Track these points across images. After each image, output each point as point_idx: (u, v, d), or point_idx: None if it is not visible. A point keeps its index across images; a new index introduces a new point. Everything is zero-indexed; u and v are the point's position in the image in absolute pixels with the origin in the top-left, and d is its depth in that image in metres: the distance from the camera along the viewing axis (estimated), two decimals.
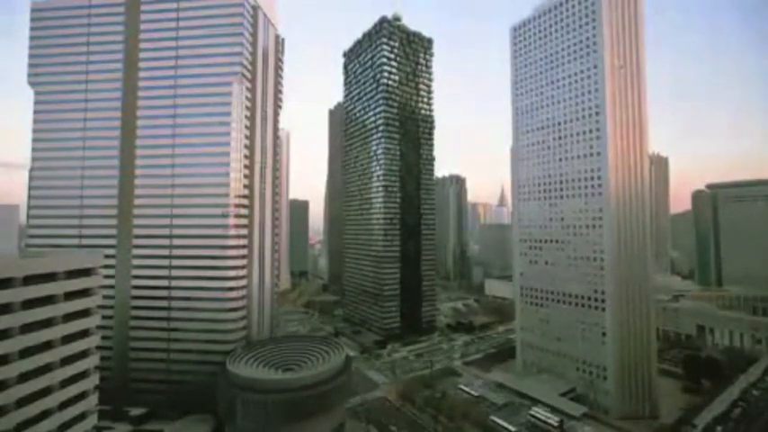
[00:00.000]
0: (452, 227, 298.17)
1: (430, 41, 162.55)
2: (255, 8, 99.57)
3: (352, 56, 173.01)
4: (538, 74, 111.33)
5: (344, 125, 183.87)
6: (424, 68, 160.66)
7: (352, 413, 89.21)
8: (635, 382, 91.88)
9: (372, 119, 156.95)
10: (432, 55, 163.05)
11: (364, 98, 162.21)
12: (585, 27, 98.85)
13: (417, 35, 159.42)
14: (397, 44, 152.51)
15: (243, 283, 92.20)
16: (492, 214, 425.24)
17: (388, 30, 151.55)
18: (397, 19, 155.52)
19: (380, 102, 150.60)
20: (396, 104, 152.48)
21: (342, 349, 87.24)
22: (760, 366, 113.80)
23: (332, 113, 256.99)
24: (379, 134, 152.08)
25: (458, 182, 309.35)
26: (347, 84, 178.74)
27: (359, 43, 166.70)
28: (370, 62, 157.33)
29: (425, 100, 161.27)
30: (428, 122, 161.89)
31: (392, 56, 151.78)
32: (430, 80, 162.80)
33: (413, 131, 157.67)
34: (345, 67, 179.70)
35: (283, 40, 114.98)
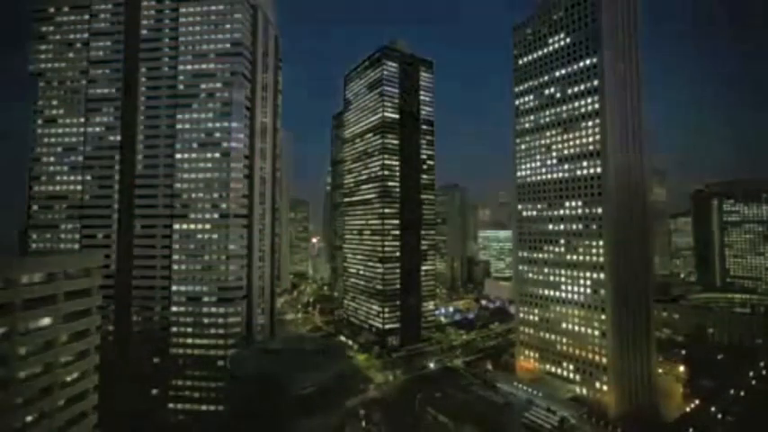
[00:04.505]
0: (452, 227, 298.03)
1: (431, 63, 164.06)
2: (255, 7, 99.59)
3: (352, 75, 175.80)
4: (538, 74, 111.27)
5: (346, 127, 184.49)
6: (425, 83, 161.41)
7: (353, 413, 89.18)
8: (635, 382, 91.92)
9: (373, 122, 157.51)
10: (433, 74, 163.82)
11: (365, 104, 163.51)
12: (586, 27, 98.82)
13: (417, 57, 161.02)
14: (396, 64, 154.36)
15: (243, 283, 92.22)
16: (492, 214, 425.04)
17: (388, 54, 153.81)
18: (394, 43, 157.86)
19: (380, 107, 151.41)
20: (396, 110, 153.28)
21: (341, 349, 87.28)
22: (760, 366, 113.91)
23: (334, 117, 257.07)
24: (380, 136, 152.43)
25: (458, 186, 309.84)
26: (347, 99, 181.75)
27: (359, 65, 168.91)
28: (372, 77, 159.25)
29: (426, 107, 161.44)
30: (429, 124, 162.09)
31: (393, 71, 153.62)
32: (431, 93, 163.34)
33: (413, 133, 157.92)
34: (346, 84, 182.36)
35: (283, 40, 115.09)
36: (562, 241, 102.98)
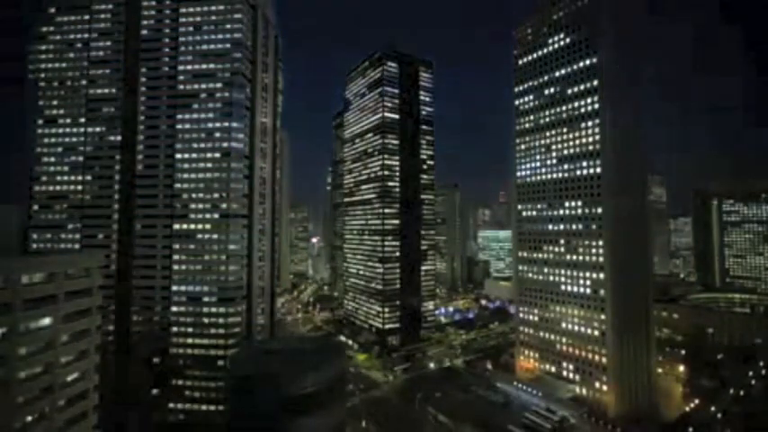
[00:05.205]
0: (452, 227, 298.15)
1: (431, 63, 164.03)
2: (255, 7, 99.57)
3: (353, 75, 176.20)
4: (538, 74, 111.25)
5: (346, 127, 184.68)
6: (425, 83, 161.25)
7: (352, 412, 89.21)
8: (634, 382, 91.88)
9: (373, 122, 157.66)
10: (433, 74, 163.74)
11: (365, 104, 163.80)
12: (585, 27, 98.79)
13: (416, 58, 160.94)
14: (396, 64, 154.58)
15: (243, 283, 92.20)
16: (492, 214, 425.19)
17: (388, 53, 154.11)
18: (393, 45, 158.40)
19: (380, 107, 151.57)
20: (396, 110, 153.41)
21: (341, 349, 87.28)
22: (760, 366, 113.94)
23: (334, 117, 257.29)
24: (380, 136, 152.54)
25: (458, 186, 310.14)
26: (347, 99, 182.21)
27: (359, 65, 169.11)
28: (372, 77, 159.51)
29: (426, 107, 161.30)
30: (429, 124, 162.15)
31: (393, 71, 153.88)
32: (431, 93, 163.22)
33: (413, 133, 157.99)
34: (346, 85, 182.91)
35: (283, 40, 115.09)
36: (562, 241, 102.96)
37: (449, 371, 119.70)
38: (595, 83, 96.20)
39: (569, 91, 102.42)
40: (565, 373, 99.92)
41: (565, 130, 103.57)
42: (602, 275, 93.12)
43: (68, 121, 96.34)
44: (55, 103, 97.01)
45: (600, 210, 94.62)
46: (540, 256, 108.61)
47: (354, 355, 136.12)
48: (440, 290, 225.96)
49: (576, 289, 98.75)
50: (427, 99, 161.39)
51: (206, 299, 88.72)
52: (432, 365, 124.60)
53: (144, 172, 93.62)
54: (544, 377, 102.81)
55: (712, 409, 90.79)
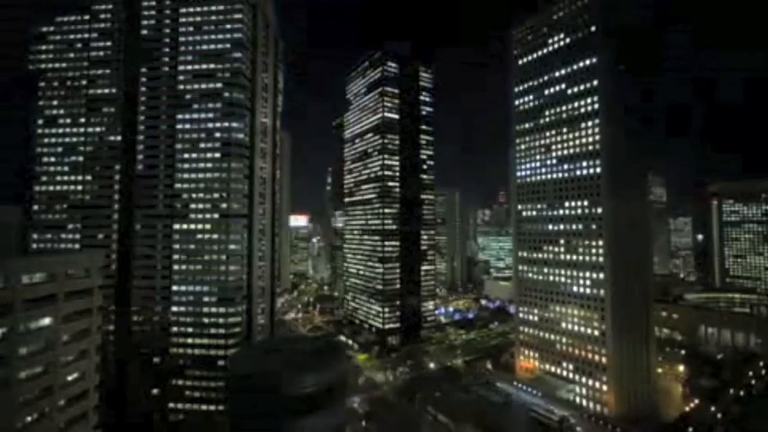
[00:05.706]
0: (452, 226, 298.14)
1: (431, 63, 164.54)
2: (255, 7, 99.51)
3: (353, 76, 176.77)
4: (538, 74, 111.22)
5: (346, 127, 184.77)
6: (425, 83, 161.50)
7: (353, 412, 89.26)
8: (634, 382, 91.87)
9: (373, 122, 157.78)
10: (433, 74, 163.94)
11: (365, 104, 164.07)
12: (585, 27, 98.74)
13: (417, 58, 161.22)
14: (396, 64, 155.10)
15: (243, 283, 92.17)
16: (492, 214, 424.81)
17: (388, 54, 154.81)
18: (393, 45, 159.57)
19: (380, 107, 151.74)
20: (396, 110, 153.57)
21: (341, 349, 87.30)
22: (760, 366, 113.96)
23: (335, 118, 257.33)
24: (380, 136, 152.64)
25: (458, 186, 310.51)
26: (347, 99, 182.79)
27: (360, 65, 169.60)
28: (372, 77, 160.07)
29: (426, 107, 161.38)
30: (428, 124, 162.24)
31: (394, 71, 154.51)
32: (430, 91, 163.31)
33: (413, 133, 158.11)
34: (346, 85, 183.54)
35: (282, 41, 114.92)
36: (562, 241, 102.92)
37: (449, 371, 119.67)
38: (595, 83, 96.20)
39: (569, 91, 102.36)
40: (565, 373, 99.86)
41: (565, 130, 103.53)
42: (602, 275, 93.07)
43: (68, 121, 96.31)
44: (55, 103, 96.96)
45: (600, 210, 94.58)
46: (540, 256, 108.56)
47: (354, 355, 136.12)
48: (440, 290, 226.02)
49: (575, 289, 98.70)
50: (427, 99, 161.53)
51: (206, 299, 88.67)
52: (432, 365, 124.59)
53: (144, 172, 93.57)
54: (544, 377, 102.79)
55: (712, 409, 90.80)
